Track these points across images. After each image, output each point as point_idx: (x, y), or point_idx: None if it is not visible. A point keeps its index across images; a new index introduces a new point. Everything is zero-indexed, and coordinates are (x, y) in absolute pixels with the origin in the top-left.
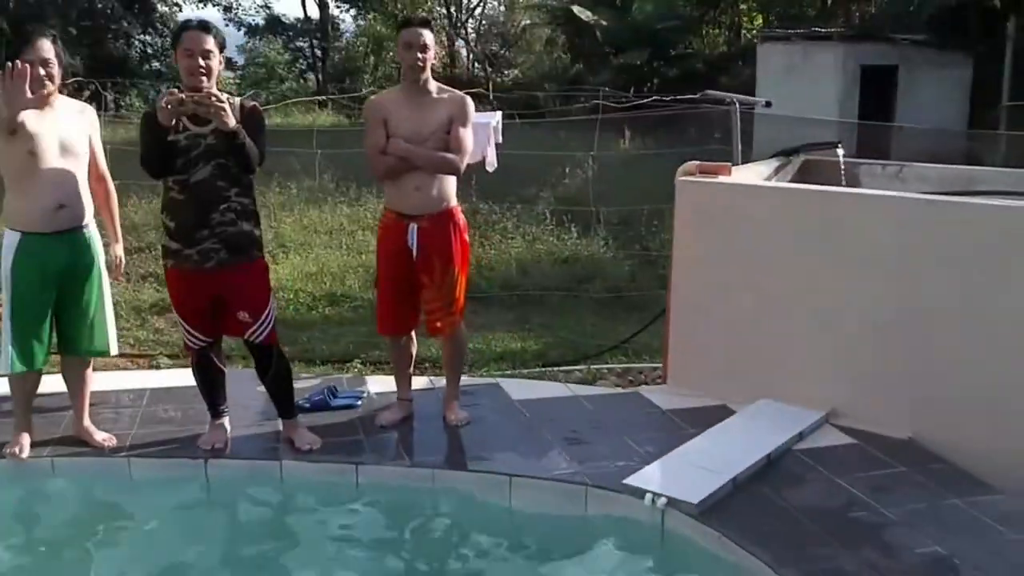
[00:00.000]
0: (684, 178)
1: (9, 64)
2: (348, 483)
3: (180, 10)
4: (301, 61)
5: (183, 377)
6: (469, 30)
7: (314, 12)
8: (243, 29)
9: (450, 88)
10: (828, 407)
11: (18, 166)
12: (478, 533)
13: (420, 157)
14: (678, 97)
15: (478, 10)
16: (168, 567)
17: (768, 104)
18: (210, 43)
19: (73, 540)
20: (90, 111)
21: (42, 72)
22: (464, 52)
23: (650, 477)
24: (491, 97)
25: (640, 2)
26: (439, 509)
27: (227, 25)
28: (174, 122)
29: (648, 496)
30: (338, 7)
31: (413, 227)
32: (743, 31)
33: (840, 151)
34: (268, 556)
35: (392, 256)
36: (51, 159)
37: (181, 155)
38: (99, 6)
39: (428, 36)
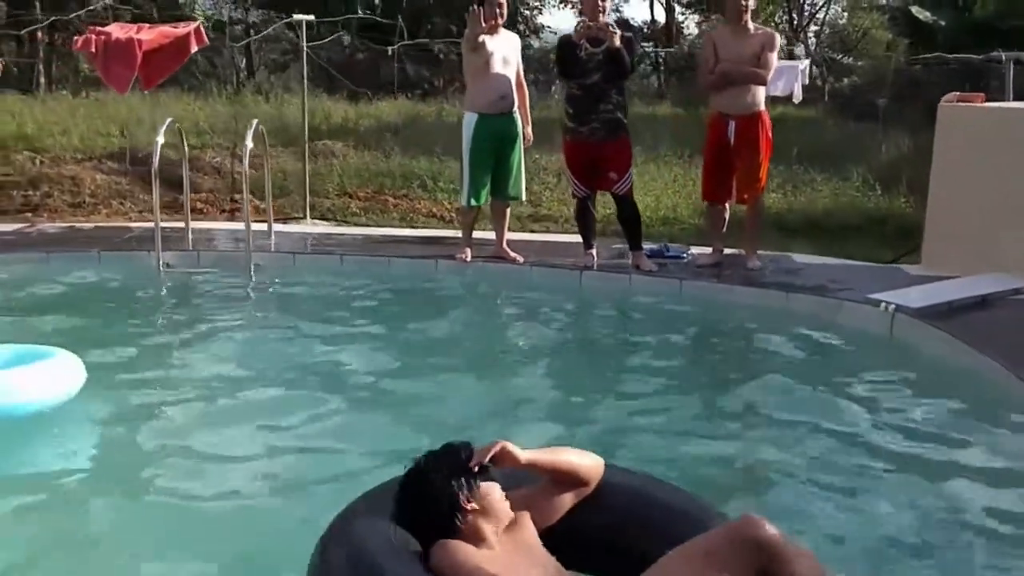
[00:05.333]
0: (945, 104)
1: (475, 7)
2: (674, 291)
3: (540, 13)
4: (646, 63)
5: (568, 238)
6: (810, 35)
7: (661, 16)
8: None
9: (763, 27)
10: None
11: (477, 71)
12: (765, 324)
13: (739, 73)
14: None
15: (820, 14)
16: (550, 331)
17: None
18: None
19: (482, 309)
20: (517, 38)
21: (496, 11)
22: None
23: (885, 295)
24: (826, 99)
25: (984, 1)
26: (735, 311)
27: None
28: (582, 42)
29: (882, 304)
30: (682, 14)
31: (732, 123)
32: None
33: None
34: (610, 331)
35: (715, 144)
36: (497, 67)
37: (582, 65)
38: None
39: None
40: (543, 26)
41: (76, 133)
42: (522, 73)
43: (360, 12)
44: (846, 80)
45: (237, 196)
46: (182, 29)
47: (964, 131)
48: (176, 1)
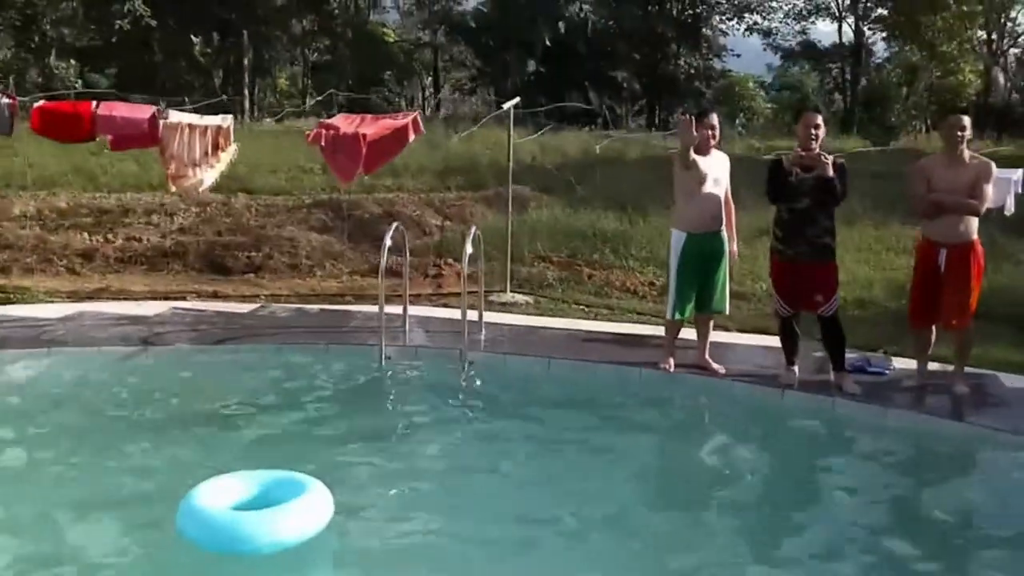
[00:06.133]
0: None
1: (687, 115)
2: (878, 419)
3: (725, 35)
4: (828, 81)
5: (765, 340)
6: (1010, 58)
7: (848, 37)
8: (779, 53)
9: (979, 156)
10: None
11: (689, 190)
12: (970, 468)
13: (952, 204)
14: None
15: (1023, 38)
16: (753, 460)
17: None
18: (819, 120)
19: (686, 429)
20: (727, 158)
21: (709, 133)
22: (1001, 80)
23: None
24: None
25: None
26: (942, 448)
27: (764, 50)
28: (793, 168)
29: None
30: (871, 28)
31: (943, 252)
32: None
33: None
34: (815, 465)
35: (925, 271)
36: (709, 187)
37: (792, 190)
38: (658, 30)
39: (967, 120)
40: (726, 48)
41: (283, 173)
42: (729, 191)
43: (545, 39)
44: None
45: (439, 261)
46: (401, 121)
47: None
48: (365, 23)
